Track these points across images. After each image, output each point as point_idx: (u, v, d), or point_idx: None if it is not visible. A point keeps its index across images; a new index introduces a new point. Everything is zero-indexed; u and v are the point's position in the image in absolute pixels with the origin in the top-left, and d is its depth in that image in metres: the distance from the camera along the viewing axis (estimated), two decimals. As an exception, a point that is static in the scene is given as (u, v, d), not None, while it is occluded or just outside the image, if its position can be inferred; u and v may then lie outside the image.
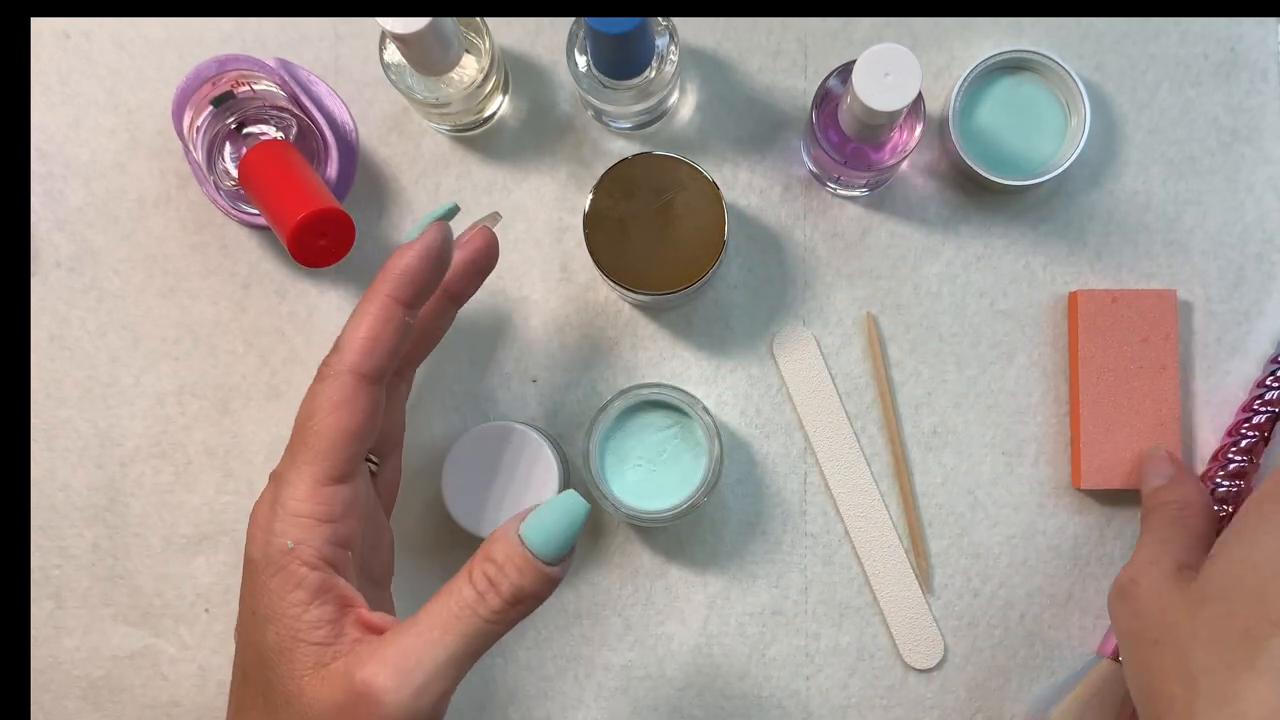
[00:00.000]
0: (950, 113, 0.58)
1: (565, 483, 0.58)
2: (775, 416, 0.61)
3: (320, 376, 0.44)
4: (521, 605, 0.41)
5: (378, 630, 0.41)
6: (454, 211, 0.47)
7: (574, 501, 0.41)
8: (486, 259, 0.51)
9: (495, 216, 0.52)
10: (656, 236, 0.56)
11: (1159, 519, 0.54)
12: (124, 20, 0.61)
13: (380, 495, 0.52)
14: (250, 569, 0.43)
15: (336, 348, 0.44)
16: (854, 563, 0.61)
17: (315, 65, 0.61)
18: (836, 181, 0.60)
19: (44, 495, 0.61)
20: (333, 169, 0.59)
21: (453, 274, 0.50)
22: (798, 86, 0.61)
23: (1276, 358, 0.58)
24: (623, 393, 0.57)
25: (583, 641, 0.61)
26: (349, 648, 0.40)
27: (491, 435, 0.56)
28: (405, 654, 0.39)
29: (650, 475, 0.57)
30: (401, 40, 0.51)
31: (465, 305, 0.61)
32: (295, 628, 0.41)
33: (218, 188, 0.58)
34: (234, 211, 0.59)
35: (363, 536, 0.46)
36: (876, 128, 0.53)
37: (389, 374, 0.45)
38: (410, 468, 0.61)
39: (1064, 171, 0.58)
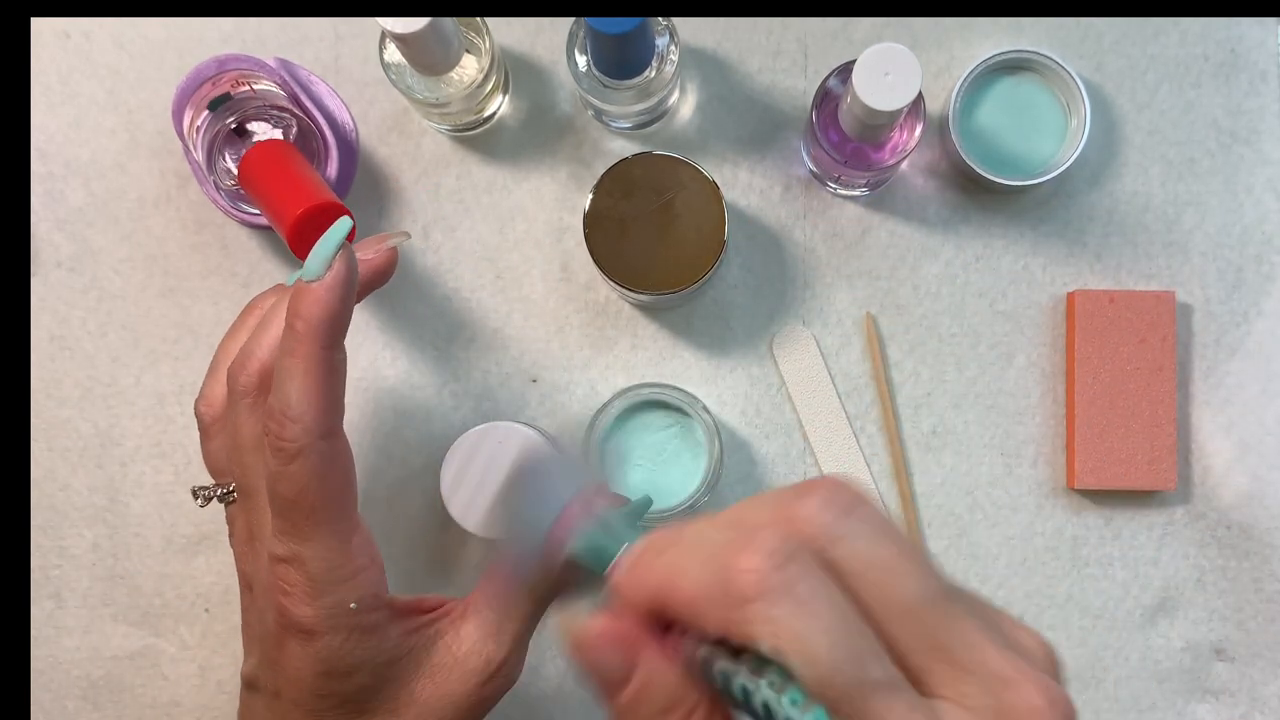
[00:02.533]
0: (950, 113, 0.58)
1: None
2: (775, 416, 0.61)
3: (286, 454, 0.41)
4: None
5: (440, 609, 0.46)
6: (349, 229, 0.43)
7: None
8: (382, 277, 0.49)
9: (404, 235, 0.50)
10: (656, 236, 0.56)
11: None
12: (124, 20, 0.61)
13: None
14: (305, 641, 0.42)
15: (284, 416, 0.41)
16: (854, 563, 0.61)
17: (315, 65, 0.61)
18: (836, 181, 0.60)
19: (44, 495, 0.61)
20: (333, 169, 0.59)
21: None
22: (798, 86, 0.61)
23: None
24: (623, 393, 0.57)
25: (582, 641, 0.61)
26: (434, 634, 0.45)
27: (491, 435, 0.56)
28: (498, 614, 0.45)
29: (650, 475, 0.57)
30: (401, 40, 0.51)
31: (466, 304, 0.61)
32: (391, 655, 0.43)
33: (218, 188, 0.58)
34: (234, 211, 0.59)
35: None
36: (876, 127, 0.53)
37: (343, 414, 0.44)
38: (410, 468, 0.61)
39: (1064, 172, 0.58)
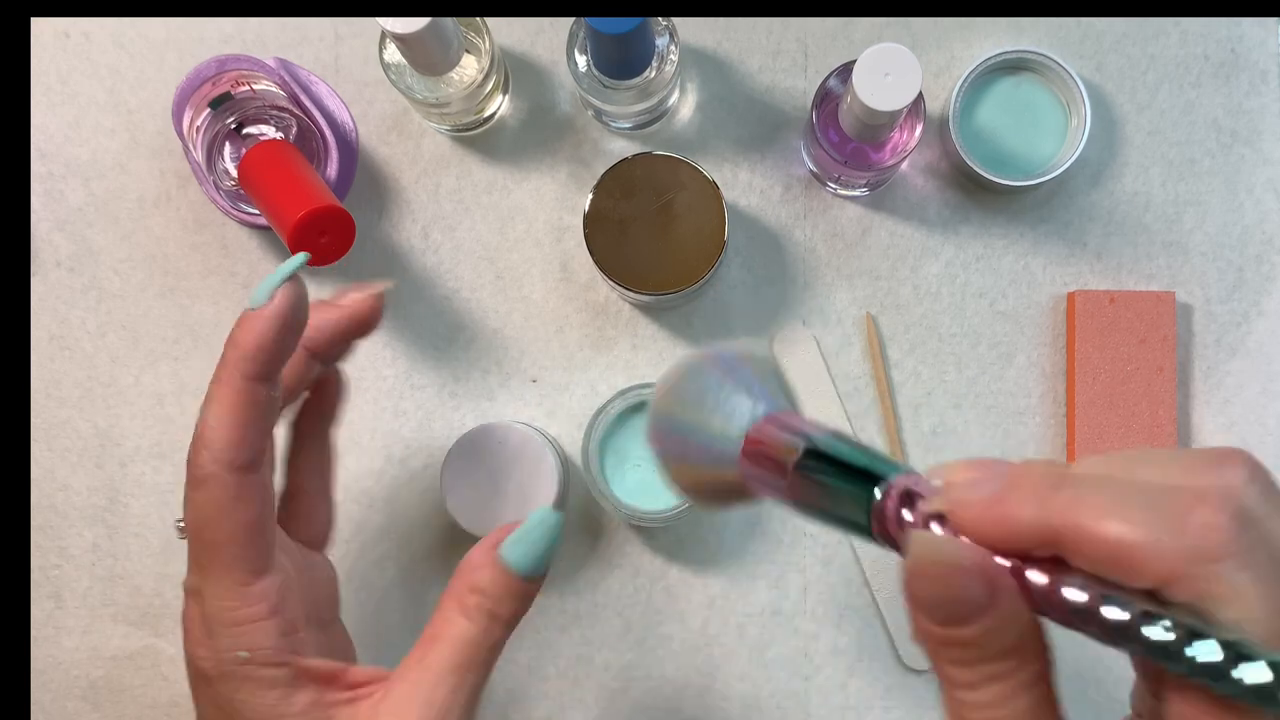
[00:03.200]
0: (950, 113, 0.58)
1: (565, 483, 0.58)
2: (775, 417, 0.61)
3: (194, 480, 0.39)
4: (513, 627, 0.40)
5: (367, 685, 0.40)
6: (303, 263, 0.42)
7: (551, 518, 0.40)
8: (364, 326, 0.46)
9: (389, 284, 0.48)
10: (656, 236, 0.56)
11: None
12: (124, 20, 0.61)
13: (313, 538, 0.49)
14: (204, 684, 0.40)
15: (199, 442, 0.39)
16: (853, 563, 0.61)
17: (315, 65, 0.61)
18: (836, 181, 0.60)
19: (44, 495, 0.61)
20: (333, 169, 0.59)
21: (322, 333, 0.45)
22: (798, 86, 0.61)
23: None
24: (623, 393, 0.57)
25: (583, 642, 0.61)
26: (348, 716, 0.39)
27: (491, 435, 0.56)
28: (428, 706, 0.38)
29: (650, 475, 0.57)
30: (401, 40, 0.51)
31: (466, 304, 0.61)
32: None
33: (218, 188, 0.58)
34: (234, 211, 0.59)
35: (302, 595, 0.43)
36: (876, 127, 0.53)
37: (265, 453, 0.41)
38: (410, 468, 0.61)
39: (1064, 172, 0.58)
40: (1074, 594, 0.26)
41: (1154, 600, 0.25)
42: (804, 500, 0.33)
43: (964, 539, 0.27)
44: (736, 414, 0.35)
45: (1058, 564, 0.27)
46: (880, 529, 0.30)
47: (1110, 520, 0.25)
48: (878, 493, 0.30)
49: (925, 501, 0.29)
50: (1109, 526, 0.25)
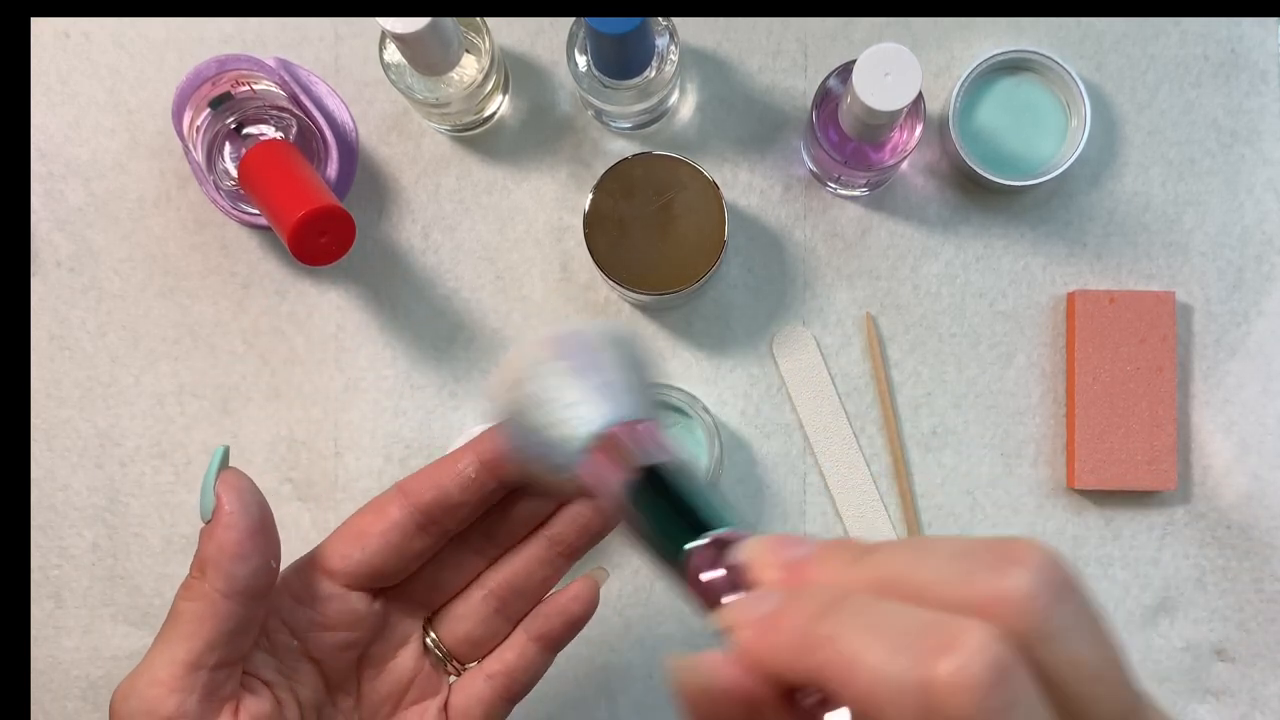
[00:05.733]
0: (950, 113, 0.58)
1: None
2: (775, 416, 0.61)
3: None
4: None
5: None
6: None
7: (215, 455, 0.38)
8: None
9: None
10: (656, 236, 0.56)
11: None
12: (124, 20, 0.61)
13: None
14: None
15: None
16: (854, 563, 0.61)
17: (315, 65, 0.61)
18: (836, 181, 0.60)
19: (44, 495, 0.61)
20: (333, 169, 0.59)
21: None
22: (798, 86, 0.61)
23: None
24: (622, 393, 0.56)
25: (583, 642, 0.61)
26: None
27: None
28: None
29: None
30: (401, 40, 0.51)
31: (466, 304, 0.61)
32: None
33: (218, 188, 0.58)
34: (234, 211, 0.59)
35: None
36: (876, 127, 0.53)
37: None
38: (410, 468, 0.61)
39: (1064, 172, 0.58)
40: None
41: None
42: (631, 527, 0.31)
43: (731, 656, 0.25)
44: (580, 420, 0.32)
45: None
46: (692, 584, 0.29)
47: (856, 666, 0.22)
48: (693, 544, 0.29)
49: (720, 608, 0.27)
50: (856, 674, 0.21)
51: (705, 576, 0.28)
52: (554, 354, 0.34)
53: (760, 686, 0.24)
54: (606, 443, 0.32)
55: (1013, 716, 0.20)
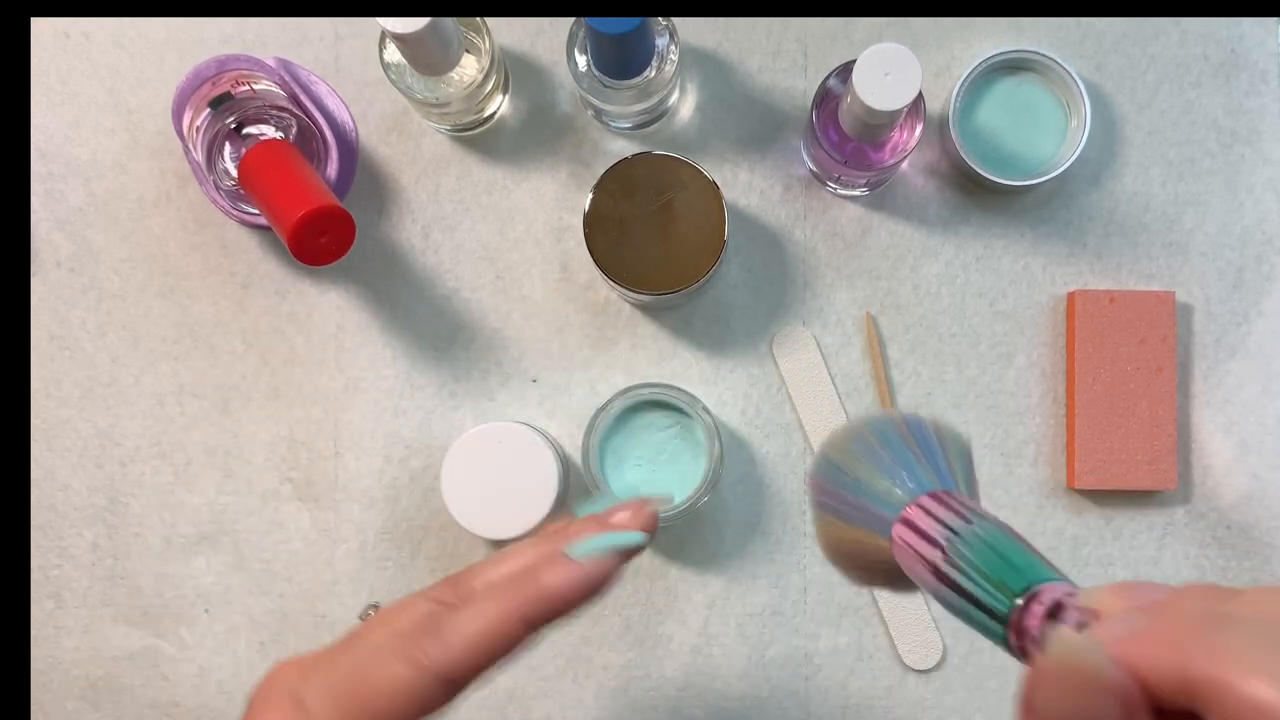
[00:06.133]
0: (950, 113, 0.58)
1: (565, 483, 0.58)
2: (775, 416, 0.61)
3: (412, 659, 0.37)
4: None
5: None
6: (638, 543, 0.39)
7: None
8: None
9: (666, 500, 0.44)
10: (656, 236, 0.56)
11: None
12: (124, 20, 0.61)
13: None
14: None
15: (446, 636, 0.37)
16: (854, 563, 0.61)
17: (315, 65, 0.61)
18: (836, 181, 0.60)
19: (44, 495, 0.61)
20: (333, 169, 0.59)
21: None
22: (798, 86, 0.61)
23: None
24: (623, 393, 0.57)
25: (582, 642, 0.61)
26: None
27: (491, 435, 0.56)
28: None
29: (650, 475, 0.57)
30: (401, 40, 0.51)
31: (466, 304, 0.61)
32: None
33: (218, 188, 0.58)
34: (234, 211, 0.59)
35: None
36: (876, 127, 0.53)
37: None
38: (410, 467, 0.61)
39: (1064, 171, 0.58)
40: None
41: None
42: (945, 592, 0.31)
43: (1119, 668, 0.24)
44: (905, 481, 0.33)
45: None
46: (1018, 641, 0.28)
47: (1255, 678, 0.21)
48: (1019, 601, 0.28)
49: (1068, 617, 0.26)
50: (1252, 686, 0.21)
51: (1037, 623, 0.27)
52: (893, 422, 0.34)
53: (1137, 689, 0.23)
54: (926, 504, 0.32)
55: None
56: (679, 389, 0.57)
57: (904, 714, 0.61)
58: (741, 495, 0.61)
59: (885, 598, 0.60)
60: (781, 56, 0.61)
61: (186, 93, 0.58)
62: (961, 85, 0.58)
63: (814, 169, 0.60)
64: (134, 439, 0.61)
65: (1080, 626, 0.26)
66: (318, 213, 0.50)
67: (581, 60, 0.55)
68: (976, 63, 0.59)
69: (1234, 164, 0.61)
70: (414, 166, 0.61)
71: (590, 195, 0.56)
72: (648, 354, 0.61)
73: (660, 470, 0.57)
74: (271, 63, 0.59)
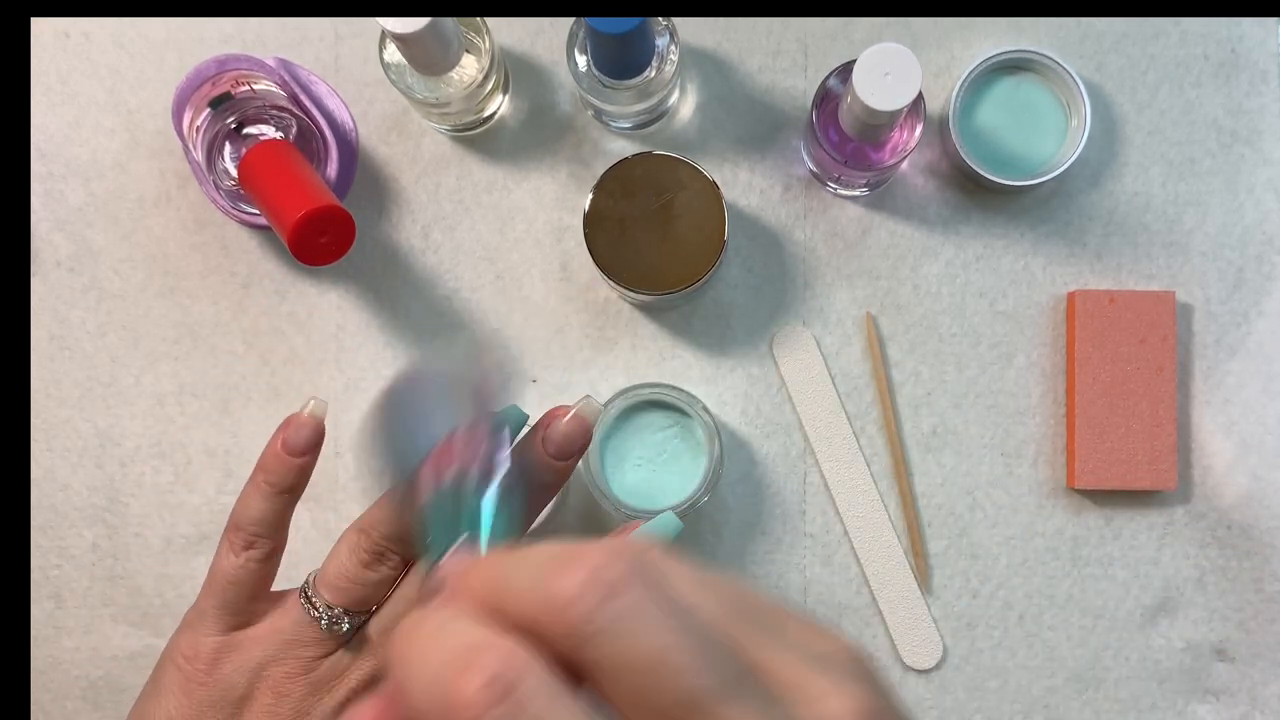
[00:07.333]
0: (950, 113, 0.58)
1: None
2: (775, 416, 0.61)
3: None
4: None
5: None
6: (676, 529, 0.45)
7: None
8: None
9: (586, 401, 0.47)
10: (656, 236, 0.56)
11: None
12: (124, 20, 0.61)
13: None
14: None
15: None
16: (853, 563, 0.61)
17: (315, 65, 0.61)
18: (836, 181, 0.60)
19: (44, 495, 0.61)
20: (333, 169, 0.59)
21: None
22: (798, 86, 0.61)
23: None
24: (623, 393, 0.57)
25: (582, 641, 0.61)
26: None
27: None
28: None
29: (650, 475, 0.57)
30: (401, 40, 0.51)
31: (466, 304, 0.61)
32: None
33: (218, 188, 0.58)
34: (234, 211, 0.59)
35: None
36: (876, 127, 0.53)
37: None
38: (410, 468, 0.61)
39: (1064, 172, 0.58)
40: None
41: None
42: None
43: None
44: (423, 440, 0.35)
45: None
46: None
47: (410, 686, 0.23)
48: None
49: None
50: (411, 693, 0.23)
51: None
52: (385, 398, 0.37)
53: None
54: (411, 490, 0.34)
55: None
56: (679, 389, 0.57)
57: (904, 714, 0.60)
58: (741, 495, 0.61)
59: (885, 598, 0.60)
60: (781, 56, 0.61)
61: (186, 93, 0.58)
62: (961, 85, 0.58)
63: (814, 169, 0.60)
64: (134, 439, 0.61)
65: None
66: (318, 213, 0.50)
67: (581, 60, 0.55)
68: (976, 63, 0.59)
69: (1234, 164, 0.61)
70: (414, 166, 0.61)
71: (590, 195, 0.56)
72: (648, 354, 0.61)
73: (660, 470, 0.57)
74: (271, 63, 0.59)
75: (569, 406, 0.44)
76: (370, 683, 0.45)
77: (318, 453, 0.46)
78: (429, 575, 0.30)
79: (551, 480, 0.45)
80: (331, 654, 0.45)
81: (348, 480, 0.61)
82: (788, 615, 0.25)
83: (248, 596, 0.46)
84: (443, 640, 0.23)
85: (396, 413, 0.36)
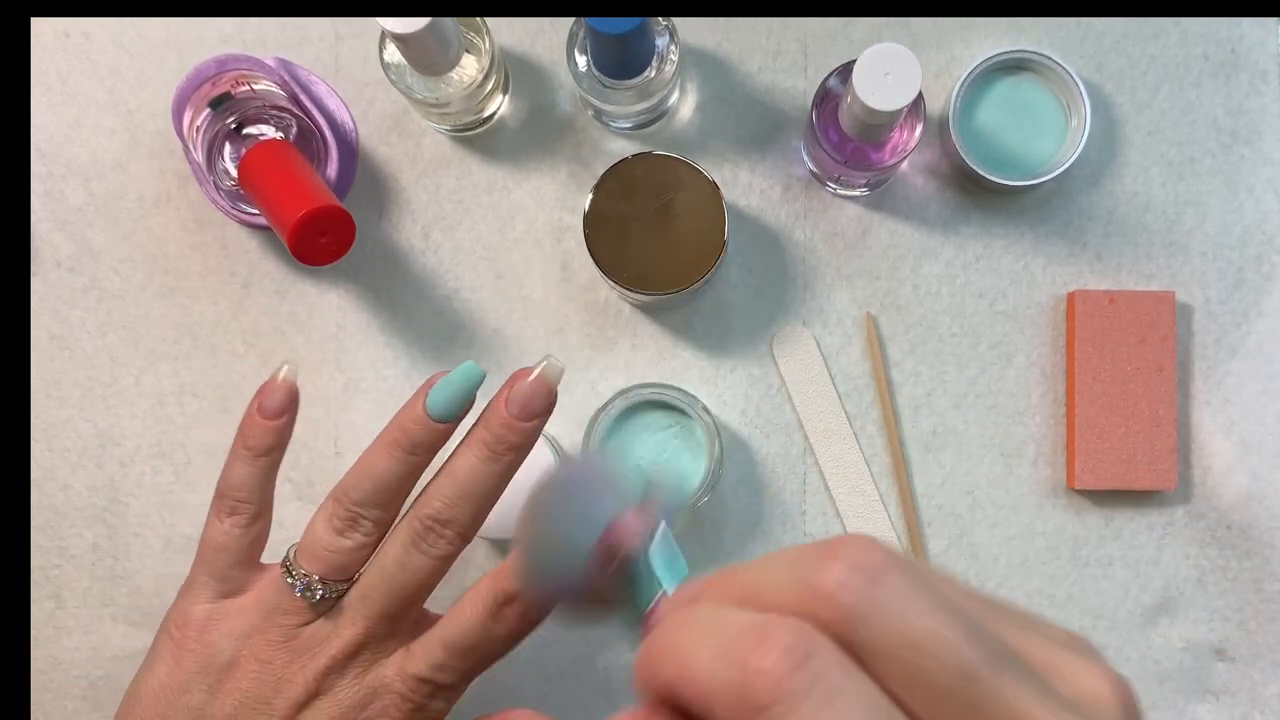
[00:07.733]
0: (950, 113, 0.58)
1: None
2: (775, 416, 0.61)
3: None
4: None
5: None
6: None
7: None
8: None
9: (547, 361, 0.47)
10: (656, 236, 0.56)
11: None
12: (124, 20, 0.61)
13: None
14: None
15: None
16: (854, 563, 0.61)
17: (315, 65, 0.61)
18: (836, 181, 0.60)
19: (44, 495, 0.61)
20: (333, 169, 0.59)
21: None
22: (798, 86, 0.61)
23: None
24: (623, 393, 0.57)
25: (583, 642, 0.61)
26: None
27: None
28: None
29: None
30: (401, 40, 0.51)
31: (466, 304, 0.61)
32: None
33: (218, 188, 0.58)
34: (234, 211, 0.59)
35: None
36: (876, 127, 0.53)
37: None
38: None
39: (1064, 172, 0.58)
40: None
41: None
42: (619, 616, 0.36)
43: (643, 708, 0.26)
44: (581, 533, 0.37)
45: None
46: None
47: (693, 671, 0.24)
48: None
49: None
50: (692, 677, 0.24)
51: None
52: (548, 491, 0.38)
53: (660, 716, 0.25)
54: (607, 541, 0.36)
55: (819, 691, 0.22)
56: (679, 389, 0.57)
57: (904, 714, 0.60)
58: (741, 495, 0.61)
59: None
60: (781, 56, 0.61)
61: (186, 93, 0.58)
62: (961, 85, 0.58)
63: (814, 169, 0.60)
64: (134, 439, 0.61)
65: None
66: (318, 213, 0.50)
67: (581, 60, 0.55)
68: (976, 63, 0.59)
69: (1234, 164, 0.61)
70: (414, 166, 0.61)
71: (590, 195, 0.56)
72: (648, 354, 0.61)
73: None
74: (271, 63, 0.59)
75: (532, 368, 0.45)
76: (352, 651, 0.45)
77: (294, 415, 0.47)
78: (645, 624, 0.33)
79: (518, 441, 0.45)
80: (312, 622, 0.45)
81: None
82: (1015, 607, 0.26)
83: (235, 563, 0.47)
84: (722, 625, 0.24)
85: (572, 491, 0.38)
